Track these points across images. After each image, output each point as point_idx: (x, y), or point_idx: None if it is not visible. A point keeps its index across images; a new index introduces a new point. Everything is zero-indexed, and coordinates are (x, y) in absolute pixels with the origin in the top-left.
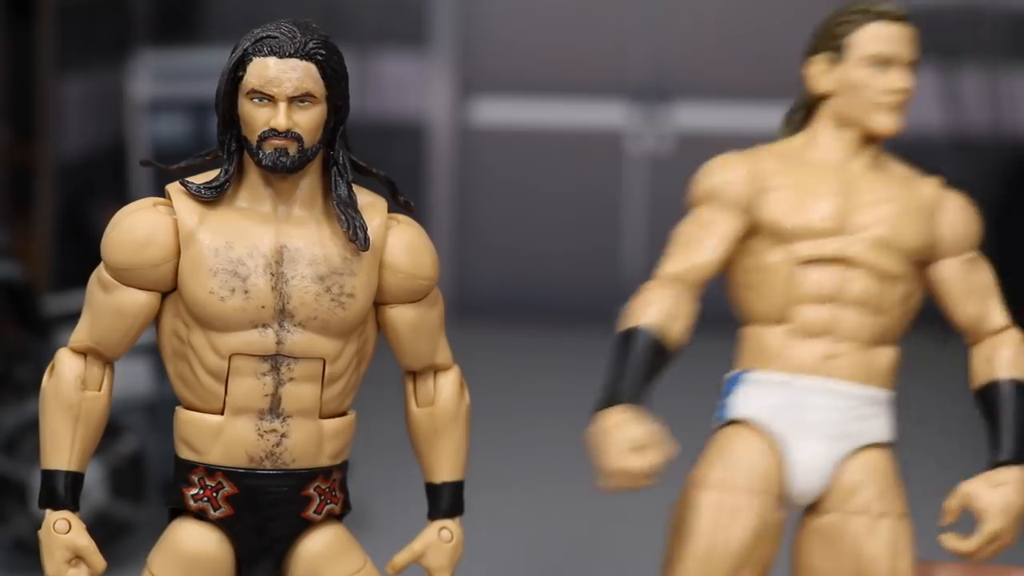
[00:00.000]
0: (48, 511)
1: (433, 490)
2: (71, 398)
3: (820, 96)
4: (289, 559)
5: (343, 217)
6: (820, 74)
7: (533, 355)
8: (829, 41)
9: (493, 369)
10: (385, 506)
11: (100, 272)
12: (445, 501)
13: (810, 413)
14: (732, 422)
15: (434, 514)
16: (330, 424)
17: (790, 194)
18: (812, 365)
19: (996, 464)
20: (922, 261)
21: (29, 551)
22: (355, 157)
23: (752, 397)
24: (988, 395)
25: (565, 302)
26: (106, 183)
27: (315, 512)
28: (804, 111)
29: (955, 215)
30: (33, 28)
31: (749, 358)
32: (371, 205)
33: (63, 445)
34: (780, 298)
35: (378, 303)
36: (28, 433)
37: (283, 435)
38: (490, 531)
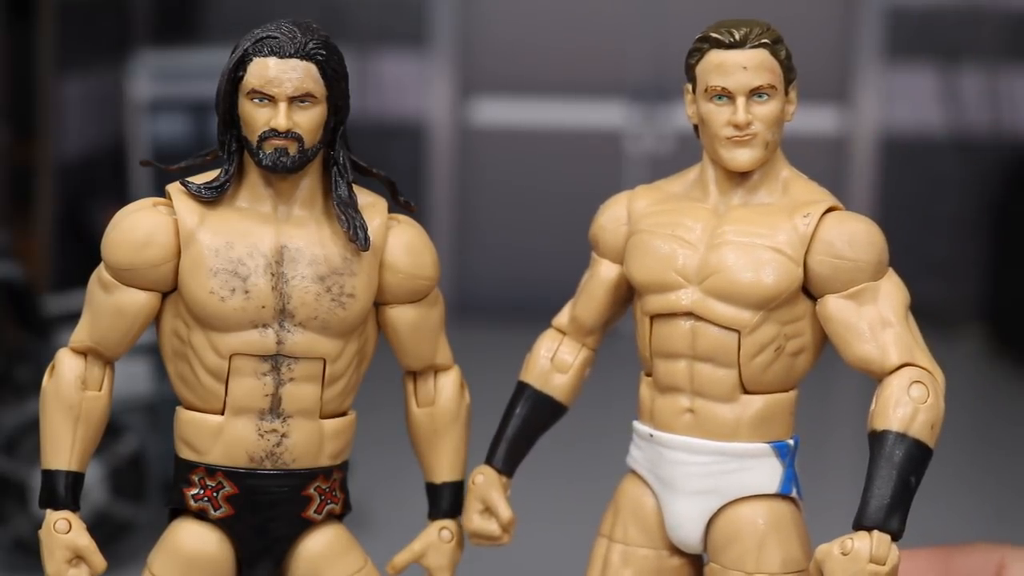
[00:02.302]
0: (48, 511)
1: (433, 490)
2: (71, 398)
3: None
4: (289, 559)
5: (343, 217)
6: (687, 105)
7: None
8: (687, 70)
9: (493, 369)
10: (385, 506)
11: (100, 272)
12: (445, 501)
13: (669, 469)
14: (630, 468)
15: (434, 514)
16: (331, 424)
17: (647, 242)
18: (669, 420)
19: (856, 526)
20: (798, 300)
21: (29, 551)
22: (355, 157)
23: (635, 447)
24: (870, 445)
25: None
26: (106, 183)
27: (315, 512)
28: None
29: (833, 247)
30: (33, 28)
31: (638, 407)
32: (371, 205)
33: (63, 445)
34: (644, 350)
35: (378, 303)
36: (28, 433)
37: (283, 435)
38: None
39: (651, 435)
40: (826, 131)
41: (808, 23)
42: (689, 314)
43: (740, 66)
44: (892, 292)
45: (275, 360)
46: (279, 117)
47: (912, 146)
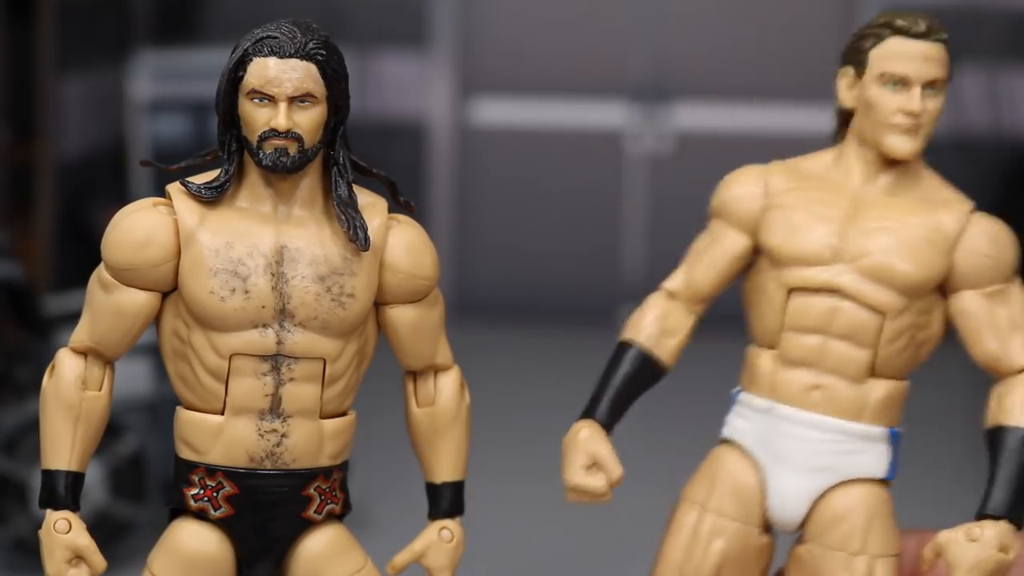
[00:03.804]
0: (48, 511)
1: (433, 490)
2: (71, 398)
3: (849, 110)
4: (289, 559)
5: (343, 217)
6: (845, 88)
7: (533, 355)
8: (854, 54)
9: (493, 369)
10: (385, 506)
11: (100, 272)
12: (445, 501)
13: (787, 443)
14: (725, 440)
15: (434, 514)
16: (330, 424)
17: (791, 216)
18: (795, 395)
19: (980, 516)
20: (932, 293)
21: (29, 551)
22: (355, 157)
23: (740, 419)
24: (993, 439)
25: (565, 302)
26: (106, 183)
27: (315, 512)
28: (840, 123)
29: (979, 245)
30: (33, 28)
31: (745, 378)
32: (371, 205)
33: (63, 445)
34: (772, 322)
35: (378, 303)
36: (28, 433)
37: (283, 435)
38: (491, 531)
39: (771, 408)
40: (826, 131)
41: (808, 23)
42: (833, 291)
43: (923, 56)
44: (1021, 298)
45: (275, 360)
46: (279, 117)
47: None
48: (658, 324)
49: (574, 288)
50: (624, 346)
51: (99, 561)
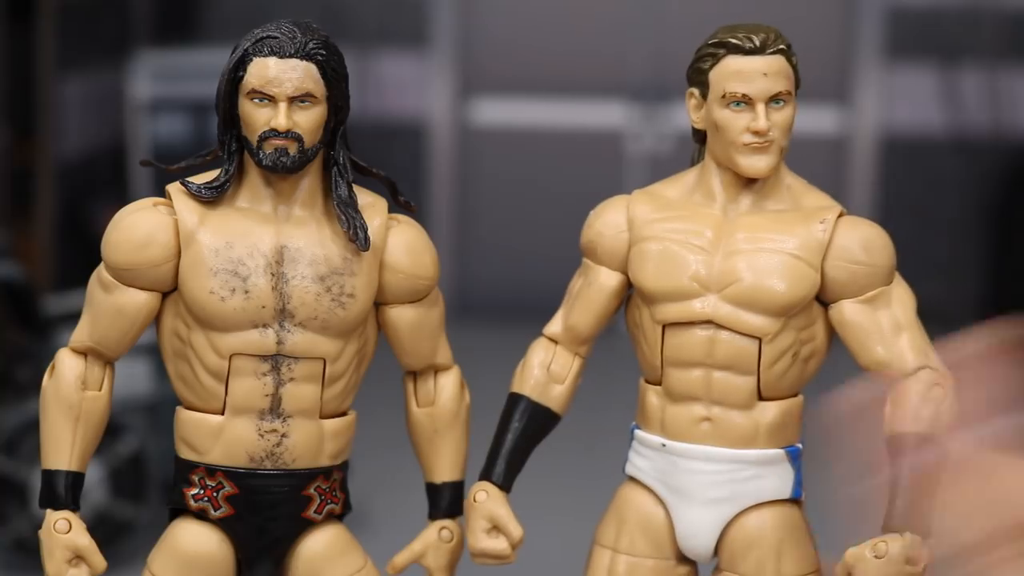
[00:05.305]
0: (48, 511)
1: (433, 490)
2: (71, 398)
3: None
4: (289, 559)
5: (343, 217)
6: (693, 110)
7: None
8: (695, 76)
9: (493, 369)
10: (385, 506)
11: (100, 272)
12: (445, 501)
13: (684, 478)
14: (629, 477)
15: (434, 514)
16: (330, 424)
17: (656, 249)
18: (685, 429)
19: (886, 528)
20: (811, 306)
21: (29, 551)
22: (355, 157)
23: (639, 456)
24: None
25: None
26: (106, 183)
27: (315, 512)
28: (698, 141)
29: (850, 253)
30: (33, 28)
31: (638, 414)
32: (371, 205)
33: (63, 445)
34: (653, 358)
35: (378, 303)
36: (28, 433)
37: (283, 435)
38: None
39: (663, 445)
40: (826, 131)
41: (808, 23)
42: (708, 322)
43: (760, 72)
44: (903, 296)
45: (275, 360)
46: (279, 117)
47: (912, 146)
48: (543, 372)
49: None
50: (513, 399)
51: (99, 561)
